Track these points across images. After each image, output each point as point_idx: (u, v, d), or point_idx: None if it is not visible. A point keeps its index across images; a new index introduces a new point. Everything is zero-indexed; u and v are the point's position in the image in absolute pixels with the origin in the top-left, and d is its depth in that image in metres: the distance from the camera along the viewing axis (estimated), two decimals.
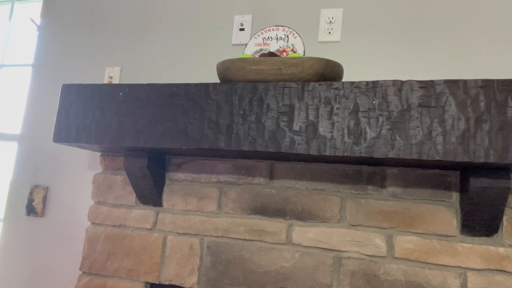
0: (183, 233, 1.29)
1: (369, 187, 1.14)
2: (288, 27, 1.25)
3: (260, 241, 1.21)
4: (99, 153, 1.51)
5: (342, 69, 1.09)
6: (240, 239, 1.23)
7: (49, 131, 1.63)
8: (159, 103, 1.12)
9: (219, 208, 1.27)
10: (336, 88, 0.99)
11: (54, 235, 1.55)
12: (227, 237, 1.25)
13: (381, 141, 0.93)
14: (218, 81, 1.44)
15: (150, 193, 1.31)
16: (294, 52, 1.21)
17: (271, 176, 1.23)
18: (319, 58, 1.03)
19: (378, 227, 1.12)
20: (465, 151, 0.88)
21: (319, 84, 1.00)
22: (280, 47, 1.24)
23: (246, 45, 1.31)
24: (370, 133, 0.94)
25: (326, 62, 1.04)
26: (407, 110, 0.93)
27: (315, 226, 1.17)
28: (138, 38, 1.59)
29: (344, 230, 1.14)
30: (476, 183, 0.95)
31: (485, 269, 1.02)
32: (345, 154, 0.95)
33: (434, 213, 1.08)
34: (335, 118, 0.97)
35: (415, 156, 0.90)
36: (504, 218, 1.03)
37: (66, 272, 1.51)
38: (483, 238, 1.04)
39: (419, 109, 0.92)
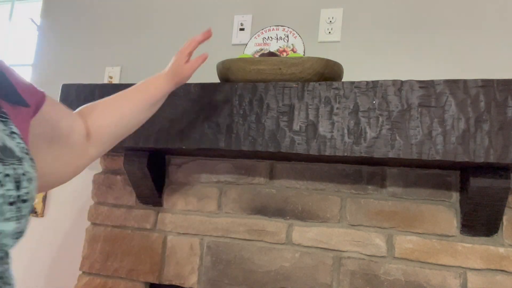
0: (183, 233, 1.29)
1: (369, 187, 1.14)
2: (288, 27, 1.25)
3: (260, 241, 1.21)
4: None
5: (342, 69, 1.09)
6: (240, 239, 1.23)
7: None
8: None
9: (219, 208, 1.27)
10: (336, 88, 0.99)
11: (54, 235, 1.55)
12: (227, 237, 1.24)
13: (381, 141, 0.93)
14: (218, 81, 1.44)
15: (150, 193, 1.31)
16: (294, 52, 1.21)
17: (271, 176, 1.23)
18: (319, 58, 1.03)
19: (378, 227, 1.12)
20: (465, 151, 0.88)
21: (319, 84, 1.00)
22: (280, 47, 1.24)
23: (246, 45, 1.31)
24: (370, 133, 0.94)
25: (326, 62, 1.04)
26: (407, 110, 0.93)
27: (315, 226, 1.17)
28: (138, 37, 1.59)
29: (344, 230, 1.14)
30: (476, 183, 0.95)
31: (485, 269, 1.02)
32: (345, 154, 0.95)
33: (434, 213, 1.08)
34: (335, 118, 0.97)
35: (415, 156, 0.90)
36: (504, 218, 1.03)
37: (66, 272, 1.51)
38: (483, 238, 1.04)
39: (419, 109, 0.92)
